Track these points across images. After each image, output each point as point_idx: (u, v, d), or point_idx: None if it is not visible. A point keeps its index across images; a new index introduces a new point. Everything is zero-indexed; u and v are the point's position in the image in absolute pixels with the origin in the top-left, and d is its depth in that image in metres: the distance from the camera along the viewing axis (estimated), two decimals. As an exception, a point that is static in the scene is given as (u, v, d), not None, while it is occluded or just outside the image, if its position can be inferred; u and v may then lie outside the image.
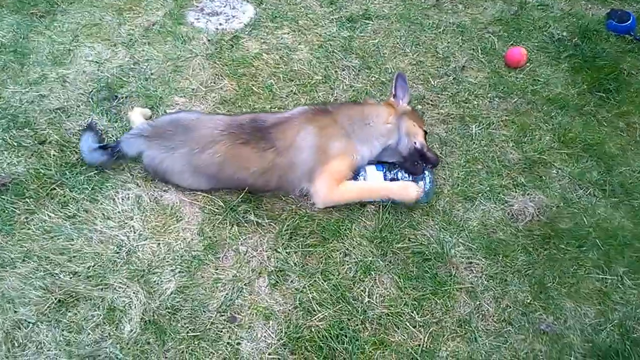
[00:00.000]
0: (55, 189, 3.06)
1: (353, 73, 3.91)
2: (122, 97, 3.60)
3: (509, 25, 4.40)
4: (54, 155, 3.21)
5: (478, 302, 2.78)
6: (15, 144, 3.26)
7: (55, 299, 2.62)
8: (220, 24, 4.28)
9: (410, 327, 2.67)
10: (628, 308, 2.80)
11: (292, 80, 3.83)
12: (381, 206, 3.08)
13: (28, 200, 3.00)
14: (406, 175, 3.13)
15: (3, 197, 3.01)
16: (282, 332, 2.62)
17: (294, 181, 3.02)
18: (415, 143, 3.11)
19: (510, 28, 4.37)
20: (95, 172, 3.14)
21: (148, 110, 3.48)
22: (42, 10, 4.24)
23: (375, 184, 3.10)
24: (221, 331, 2.60)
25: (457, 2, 4.63)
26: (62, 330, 2.55)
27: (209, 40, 4.07)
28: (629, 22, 4.30)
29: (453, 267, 2.90)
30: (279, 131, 2.97)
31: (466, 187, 3.25)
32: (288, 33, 4.22)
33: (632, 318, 2.77)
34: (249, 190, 3.06)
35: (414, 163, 3.12)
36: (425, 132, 3.21)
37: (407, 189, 3.02)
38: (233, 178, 3.00)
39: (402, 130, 3.11)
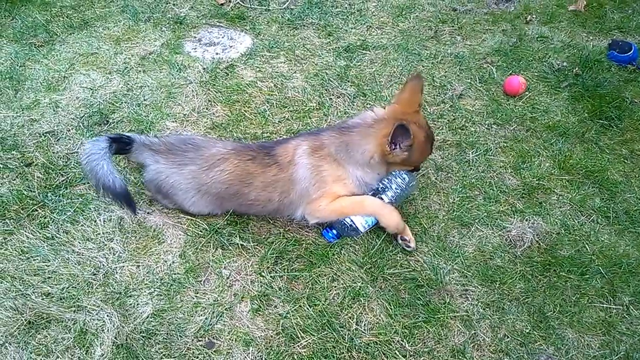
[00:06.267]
0: (36, 210, 2.99)
1: (348, 100, 3.85)
2: (114, 122, 3.55)
3: (507, 56, 4.34)
4: (38, 177, 3.15)
5: (473, 331, 2.62)
6: (1, 166, 3.21)
7: (26, 320, 2.51)
8: (217, 54, 4.26)
9: (400, 356, 2.52)
10: (635, 339, 2.62)
11: (286, 107, 3.77)
12: (372, 231, 2.97)
13: (8, 221, 2.92)
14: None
15: (-18, 218, 2.94)
16: (262, 358, 2.48)
17: (294, 199, 2.91)
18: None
19: (509, 59, 4.31)
20: (79, 194, 3.07)
21: None
22: (41, 40, 4.25)
23: (367, 201, 2.93)
24: (197, 357, 2.46)
25: (456, 34, 4.60)
26: (31, 353, 2.42)
27: (204, 69, 4.04)
28: (631, 52, 4.24)
29: (447, 294, 2.76)
30: (282, 148, 2.90)
31: (462, 212, 3.13)
32: (284, 62, 4.19)
33: None
34: (251, 210, 2.99)
35: None
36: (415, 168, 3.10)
37: (392, 214, 2.90)
38: (237, 195, 2.91)
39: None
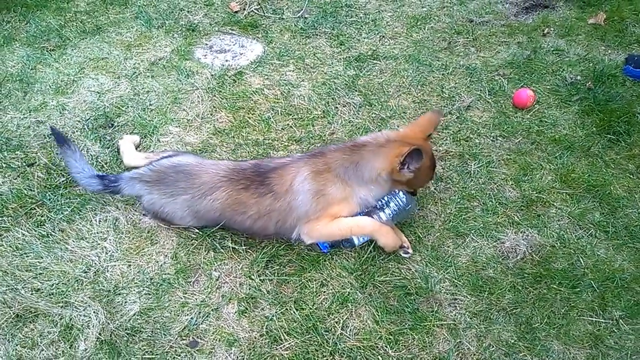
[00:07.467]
0: (35, 208, 3.05)
1: (353, 109, 3.85)
2: (118, 125, 3.62)
3: (520, 68, 4.29)
4: (39, 177, 3.22)
5: (459, 340, 2.59)
6: (4, 165, 3.29)
7: (14, 313, 2.57)
8: (227, 61, 4.30)
9: (383, 362, 2.51)
10: (622, 353, 2.57)
11: (290, 115, 3.79)
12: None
13: (6, 219, 2.99)
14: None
15: (-20, 214, 3.02)
16: (243, 359, 2.49)
17: (292, 225, 2.88)
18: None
19: (522, 71, 4.26)
20: (77, 194, 3.12)
21: (137, 137, 3.49)
22: (53, 45, 4.35)
23: (363, 222, 2.90)
24: (179, 355, 2.48)
25: (470, 46, 4.57)
26: (16, 345, 2.48)
27: (212, 75, 4.09)
28: (647, 67, 4.16)
29: (436, 303, 2.74)
30: (278, 175, 2.84)
31: (458, 223, 3.10)
32: (293, 70, 4.21)
33: (627, 365, 2.54)
34: (249, 233, 2.97)
35: None
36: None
37: (389, 234, 2.89)
38: (231, 222, 2.90)
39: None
